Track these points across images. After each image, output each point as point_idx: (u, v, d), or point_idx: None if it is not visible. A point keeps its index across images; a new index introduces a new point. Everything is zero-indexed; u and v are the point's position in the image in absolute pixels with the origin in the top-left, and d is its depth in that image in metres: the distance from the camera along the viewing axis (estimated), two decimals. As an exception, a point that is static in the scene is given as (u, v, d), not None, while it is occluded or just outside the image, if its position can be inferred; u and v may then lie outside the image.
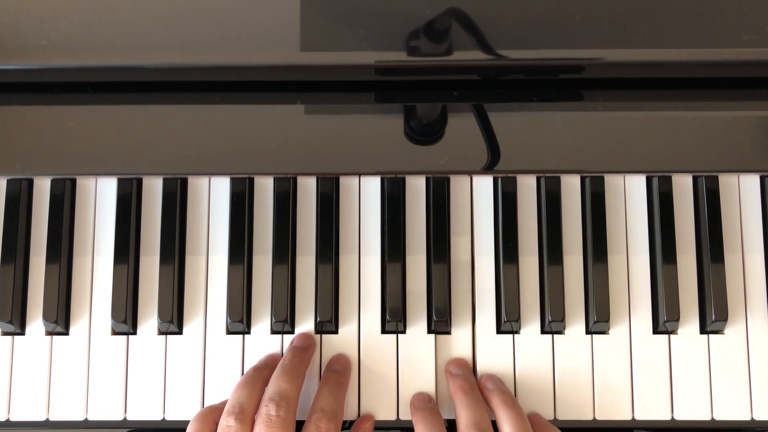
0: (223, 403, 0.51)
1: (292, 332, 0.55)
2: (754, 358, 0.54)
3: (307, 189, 0.56)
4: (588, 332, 0.54)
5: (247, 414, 0.48)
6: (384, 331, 0.55)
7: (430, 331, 0.55)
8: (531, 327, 0.54)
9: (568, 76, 0.54)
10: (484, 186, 0.56)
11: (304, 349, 0.53)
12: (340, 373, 0.53)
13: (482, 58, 0.51)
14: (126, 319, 0.54)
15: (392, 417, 0.53)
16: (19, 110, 0.54)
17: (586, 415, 0.53)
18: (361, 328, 0.55)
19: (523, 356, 0.54)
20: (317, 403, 0.49)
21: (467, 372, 0.53)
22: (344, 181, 0.56)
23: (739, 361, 0.54)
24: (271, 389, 0.49)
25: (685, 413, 0.53)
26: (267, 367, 0.52)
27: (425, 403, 0.52)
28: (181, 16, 0.51)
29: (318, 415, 0.48)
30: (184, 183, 0.56)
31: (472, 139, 0.53)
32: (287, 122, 0.54)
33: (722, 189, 0.56)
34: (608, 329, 0.54)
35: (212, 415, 0.50)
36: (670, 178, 0.55)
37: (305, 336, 0.54)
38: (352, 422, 0.53)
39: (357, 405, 0.54)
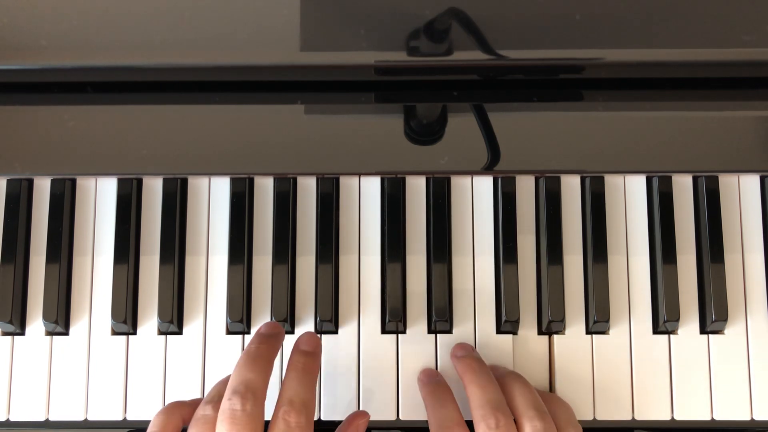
0: (191, 401, 0.49)
1: (293, 332, 0.55)
2: (754, 358, 0.54)
3: (307, 189, 0.56)
4: (588, 332, 0.54)
5: (218, 402, 0.44)
6: (384, 331, 0.55)
7: (430, 331, 0.55)
8: (531, 327, 0.54)
9: (568, 76, 0.54)
10: (484, 186, 0.56)
11: (272, 336, 0.48)
12: (309, 354, 0.47)
13: (482, 58, 0.51)
14: (126, 319, 0.54)
15: (392, 417, 0.53)
16: (19, 110, 0.54)
17: (586, 415, 0.53)
18: (361, 328, 0.55)
19: (523, 356, 0.54)
20: (284, 394, 0.44)
21: (473, 352, 0.52)
22: (344, 181, 0.56)
23: (739, 361, 0.54)
24: (235, 379, 0.43)
25: (685, 413, 0.53)
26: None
27: (433, 377, 0.52)
28: (181, 16, 0.51)
29: (286, 408, 0.43)
30: (184, 183, 0.56)
31: (472, 139, 0.53)
32: (287, 122, 0.54)
33: (722, 189, 0.56)
34: (608, 329, 0.54)
35: (179, 410, 0.47)
36: (670, 178, 0.55)
37: (272, 324, 0.50)
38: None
39: (357, 405, 0.54)
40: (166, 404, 0.49)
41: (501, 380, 0.50)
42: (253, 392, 0.42)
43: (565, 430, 0.47)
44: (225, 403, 0.42)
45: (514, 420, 0.47)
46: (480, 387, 0.47)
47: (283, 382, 0.46)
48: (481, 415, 0.46)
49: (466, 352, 0.52)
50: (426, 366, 0.54)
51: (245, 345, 0.54)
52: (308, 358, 0.47)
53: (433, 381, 0.51)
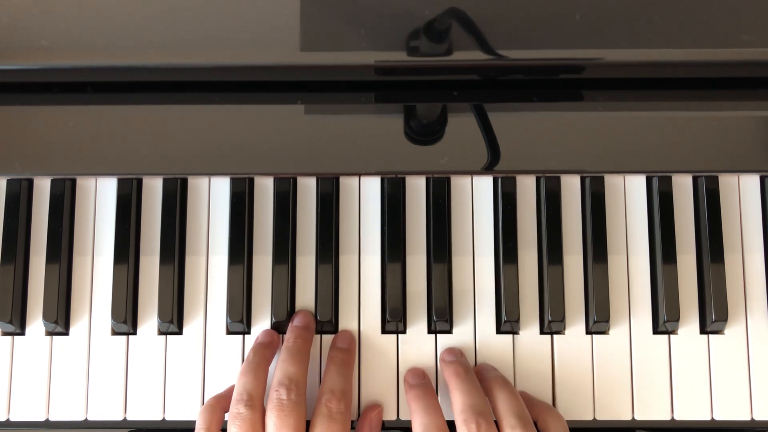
0: (228, 391, 0.52)
1: (292, 332, 0.55)
2: (754, 358, 0.54)
3: (307, 189, 0.56)
4: (588, 332, 0.54)
5: (256, 400, 0.48)
6: (384, 331, 0.55)
7: (430, 331, 0.55)
8: (531, 327, 0.54)
9: (568, 76, 0.54)
10: (484, 186, 0.56)
11: (306, 328, 0.53)
12: (345, 350, 0.53)
13: (482, 58, 0.51)
14: (126, 319, 0.54)
15: (392, 417, 0.53)
16: (19, 110, 0.54)
17: (586, 415, 0.53)
18: (361, 328, 0.55)
19: (523, 356, 0.54)
20: (326, 385, 0.50)
21: (461, 357, 0.53)
22: (344, 181, 0.56)
23: (739, 361, 0.54)
24: (279, 373, 0.49)
25: (685, 413, 0.53)
26: (268, 348, 0.52)
27: (420, 379, 0.52)
28: (181, 16, 0.51)
29: (328, 396, 0.49)
30: (184, 183, 0.56)
31: (472, 139, 0.53)
32: (287, 122, 0.54)
33: (722, 189, 0.56)
34: (608, 329, 0.54)
35: (219, 404, 0.50)
36: (670, 178, 0.55)
37: (305, 313, 0.54)
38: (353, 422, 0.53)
39: (357, 405, 0.54)
40: (206, 401, 0.51)
41: (487, 384, 0.51)
42: (296, 383, 0.48)
43: None
44: (273, 394, 0.48)
45: (498, 428, 0.47)
46: (463, 392, 0.49)
47: (324, 374, 0.51)
48: (463, 419, 0.47)
49: (454, 357, 0.53)
50: (425, 366, 0.54)
51: (245, 345, 0.54)
52: (345, 353, 0.52)
53: (419, 384, 0.52)
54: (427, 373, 0.53)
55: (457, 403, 0.48)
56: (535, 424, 0.49)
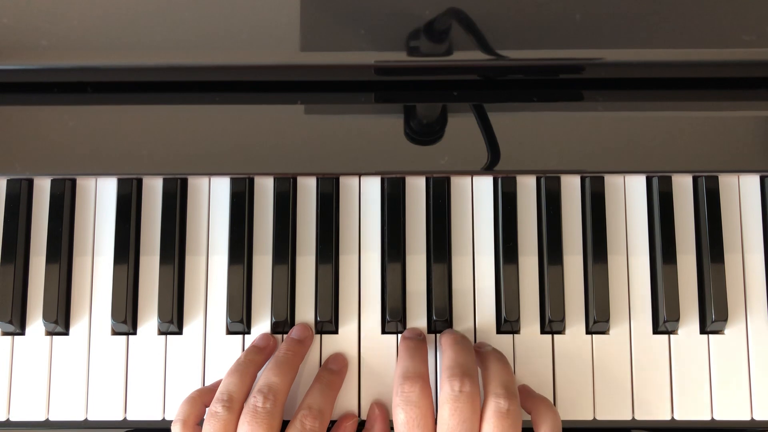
0: (213, 385, 0.52)
1: (292, 332, 0.55)
2: (754, 358, 0.54)
3: (307, 189, 0.56)
4: (588, 332, 0.54)
5: (235, 402, 0.48)
6: (384, 331, 0.55)
7: (430, 331, 0.55)
8: (531, 327, 0.54)
9: (568, 76, 0.54)
10: (484, 186, 0.56)
11: (300, 342, 0.53)
12: (334, 372, 0.53)
13: (482, 58, 0.51)
14: (126, 319, 0.54)
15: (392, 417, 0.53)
16: (19, 110, 0.54)
17: (586, 415, 0.53)
18: (361, 328, 0.55)
19: (523, 356, 0.54)
20: (306, 401, 0.50)
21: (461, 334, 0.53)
22: (344, 181, 0.56)
23: (739, 361, 0.54)
24: (261, 381, 0.49)
25: (685, 413, 0.53)
26: (260, 353, 0.52)
27: (416, 334, 0.53)
28: (181, 16, 0.51)
29: (305, 413, 0.49)
30: (184, 183, 0.56)
31: (472, 139, 0.53)
32: (287, 122, 0.54)
33: (722, 189, 0.56)
34: (608, 329, 0.54)
35: (201, 398, 0.51)
36: (670, 178, 0.55)
37: (303, 327, 0.54)
38: (363, 422, 0.53)
39: (357, 405, 0.54)
40: (189, 393, 0.51)
41: (481, 357, 0.51)
42: (274, 394, 0.48)
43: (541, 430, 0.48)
44: (250, 399, 0.48)
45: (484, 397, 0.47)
46: (454, 350, 0.49)
47: (307, 391, 0.51)
48: (448, 375, 0.47)
49: (453, 332, 0.53)
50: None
51: (245, 345, 0.54)
52: (333, 375, 0.52)
53: (414, 337, 0.52)
54: (426, 373, 0.53)
55: (446, 359, 0.49)
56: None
